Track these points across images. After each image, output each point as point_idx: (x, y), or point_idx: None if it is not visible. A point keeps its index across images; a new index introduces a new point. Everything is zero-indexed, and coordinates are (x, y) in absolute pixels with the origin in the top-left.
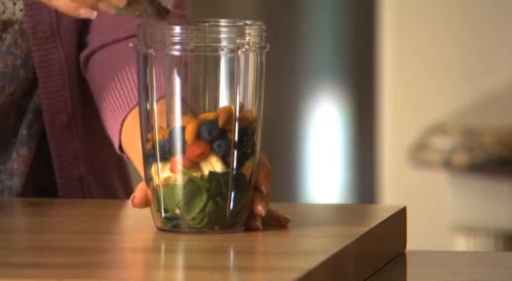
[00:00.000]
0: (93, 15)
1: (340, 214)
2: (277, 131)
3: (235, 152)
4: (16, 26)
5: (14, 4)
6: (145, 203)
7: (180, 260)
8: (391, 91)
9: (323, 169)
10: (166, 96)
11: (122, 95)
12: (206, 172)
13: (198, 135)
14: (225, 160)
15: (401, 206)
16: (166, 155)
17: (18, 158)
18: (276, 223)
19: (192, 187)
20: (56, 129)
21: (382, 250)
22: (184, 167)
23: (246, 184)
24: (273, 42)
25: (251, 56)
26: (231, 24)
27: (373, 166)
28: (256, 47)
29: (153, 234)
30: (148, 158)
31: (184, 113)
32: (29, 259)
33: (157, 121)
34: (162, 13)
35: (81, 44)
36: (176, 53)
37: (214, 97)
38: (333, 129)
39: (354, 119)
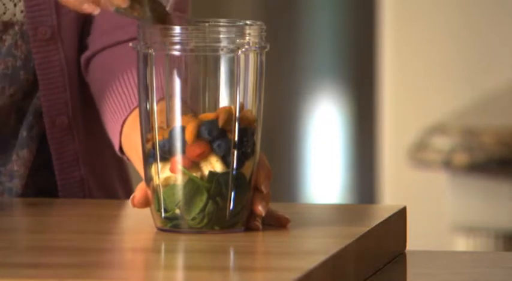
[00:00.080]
0: (96, 10)
1: (340, 214)
2: (277, 131)
3: (235, 152)
4: (17, 28)
5: (15, 5)
6: (145, 203)
7: (180, 260)
8: (391, 91)
9: (323, 169)
10: (166, 96)
11: (123, 97)
12: (206, 172)
13: (198, 136)
14: (225, 160)
15: (401, 206)
16: (166, 155)
17: (19, 160)
18: (276, 223)
19: (192, 187)
20: (56, 132)
21: (382, 250)
22: (184, 167)
23: (246, 184)
24: (273, 42)
25: (251, 56)
26: (231, 24)
27: (373, 166)
28: (256, 47)
29: (153, 234)
30: (149, 158)
31: (184, 113)
32: (29, 259)
33: (157, 121)
34: (162, 17)
35: (81, 46)
36: (176, 53)
37: (214, 97)
38: (333, 129)
39: (354, 119)
